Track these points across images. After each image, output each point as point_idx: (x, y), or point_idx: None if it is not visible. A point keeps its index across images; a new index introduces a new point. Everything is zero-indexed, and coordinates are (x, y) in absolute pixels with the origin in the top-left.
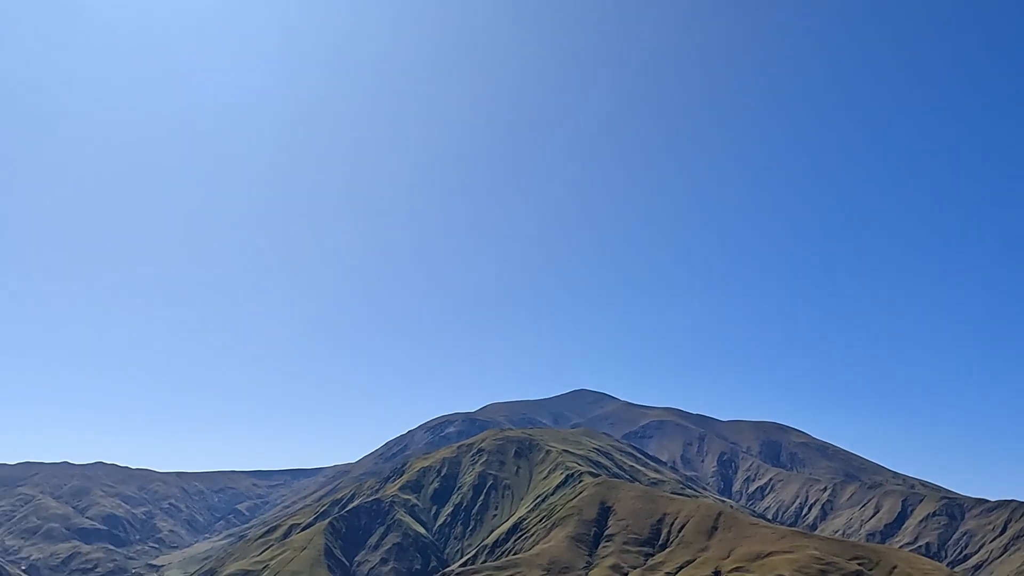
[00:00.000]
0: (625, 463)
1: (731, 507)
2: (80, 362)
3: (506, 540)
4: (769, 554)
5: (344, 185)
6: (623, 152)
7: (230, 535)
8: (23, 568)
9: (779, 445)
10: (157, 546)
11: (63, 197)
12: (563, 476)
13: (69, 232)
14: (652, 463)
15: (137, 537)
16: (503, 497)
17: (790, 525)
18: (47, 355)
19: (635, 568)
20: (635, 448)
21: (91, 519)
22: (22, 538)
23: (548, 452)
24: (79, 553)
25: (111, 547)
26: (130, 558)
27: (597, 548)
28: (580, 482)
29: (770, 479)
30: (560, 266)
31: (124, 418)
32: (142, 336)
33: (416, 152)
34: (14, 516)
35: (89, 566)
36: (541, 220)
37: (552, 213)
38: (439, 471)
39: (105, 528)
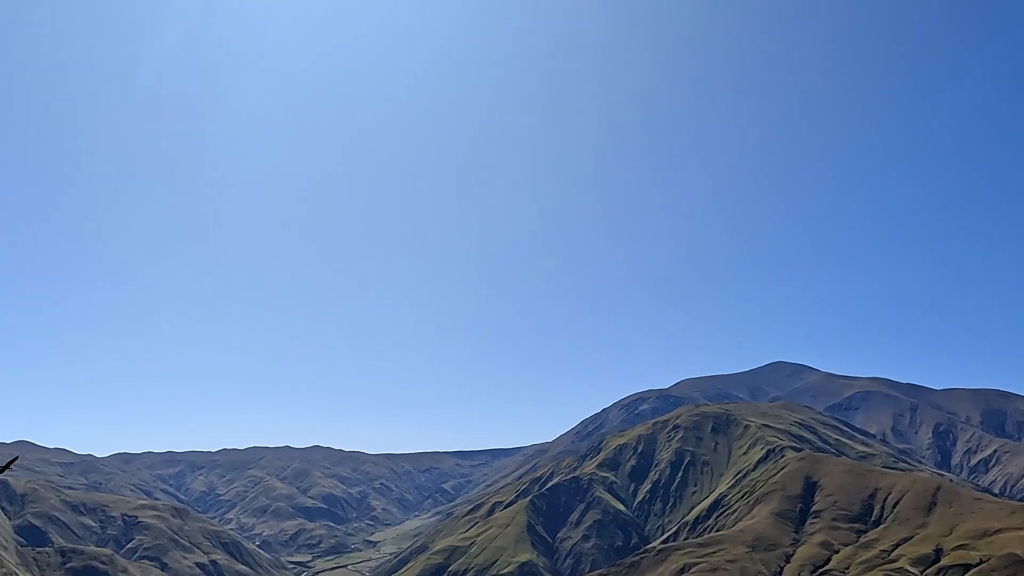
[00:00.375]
0: (830, 437)
1: (951, 481)
2: (298, 355)
3: (707, 517)
4: (997, 531)
5: (540, 176)
6: (817, 120)
7: (438, 513)
8: (257, 544)
9: (1003, 414)
10: (372, 523)
11: (297, 198)
12: (764, 451)
13: (281, 234)
14: (859, 436)
15: (354, 515)
16: (702, 473)
17: (1020, 500)
18: (269, 350)
19: (846, 545)
20: (840, 421)
21: (312, 498)
22: (254, 516)
23: (747, 427)
24: (304, 530)
25: (332, 524)
26: (349, 535)
27: (804, 525)
28: (782, 457)
29: (995, 451)
30: (751, 235)
31: (338, 404)
32: (354, 330)
33: (619, 147)
34: (246, 496)
35: (313, 542)
36: (733, 189)
37: (748, 180)
38: (635, 448)
39: (325, 507)
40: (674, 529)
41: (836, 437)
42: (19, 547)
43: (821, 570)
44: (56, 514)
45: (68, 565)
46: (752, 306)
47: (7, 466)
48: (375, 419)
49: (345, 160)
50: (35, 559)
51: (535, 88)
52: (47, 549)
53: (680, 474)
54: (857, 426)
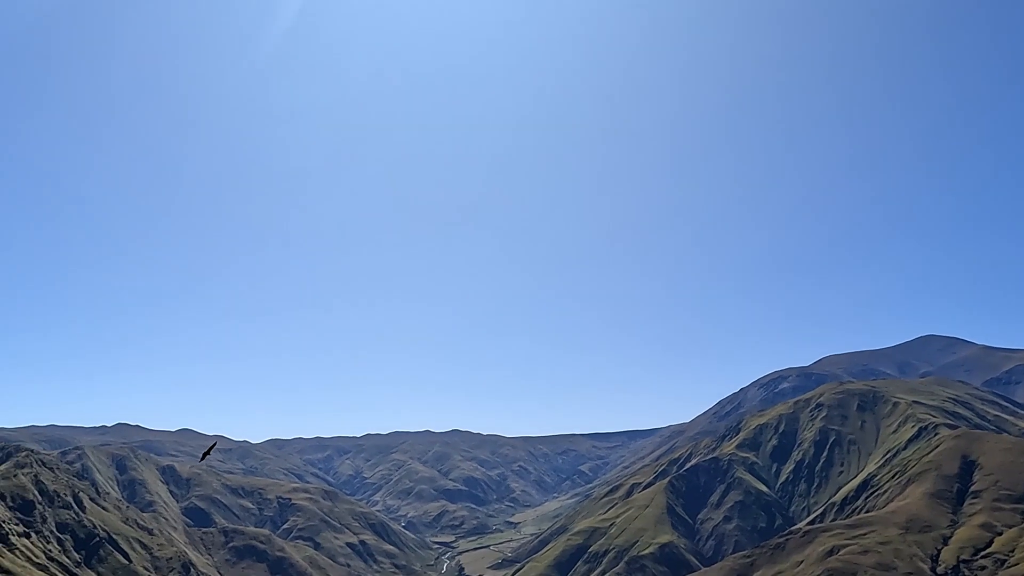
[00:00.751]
0: (988, 413)
1: None
2: (435, 342)
3: (855, 497)
4: None
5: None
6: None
7: (576, 494)
8: (403, 525)
9: None
10: (512, 505)
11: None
12: (915, 429)
13: (423, 229)
14: (1022, 412)
15: (494, 497)
16: (848, 453)
17: None
18: (408, 339)
19: (1011, 527)
20: (999, 396)
21: (453, 481)
22: (399, 498)
23: (895, 404)
24: (447, 511)
25: (473, 506)
26: (490, 516)
27: (962, 505)
28: (935, 435)
29: None
30: (896, 200)
31: (476, 389)
32: (491, 317)
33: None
34: (391, 479)
35: (456, 523)
36: (877, 155)
37: (894, 146)
38: (776, 428)
39: (466, 489)
40: (820, 510)
41: (995, 413)
42: (187, 527)
43: (983, 553)
44: (218, 497)
45: (231, 544)
46: (899, 277)
47: (209, 451)
48: (512, 403)
49: (515, 158)
50: (201, 539)
51: (696, 87)
52: (211, 529)
53: (825, 454)
54: (1019, 401)
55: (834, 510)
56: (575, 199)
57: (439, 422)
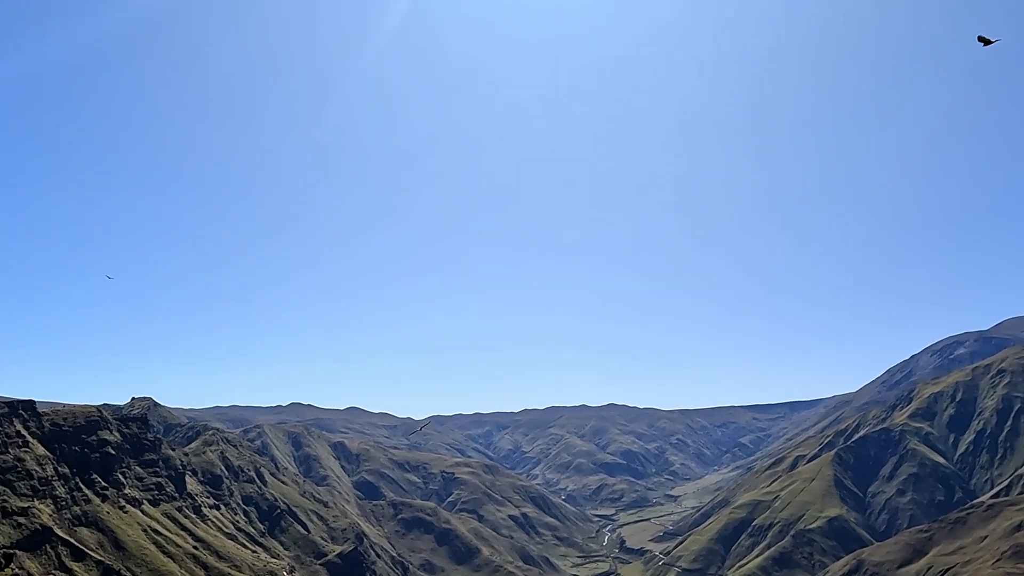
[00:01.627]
0: None
1: None
2: (590, 318)
3: None
4: None
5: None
6: None
7: (737, 467)
8: (563, 498)
9: None
10: (671, 478)
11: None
12: None
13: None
14: None
15: (652, 470)
16: None
17: None
18: (563, 315)
19: None
20: None
21: (611, 454)
22: (558, 472)
23: None
24: (606, 485)
25: (631, 479)
26: (649, 489)
27: None
28: None
29: None
30: None
31: (630, 362)
32: (647, 287)
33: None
34: (549, 453)
35: (615, 496)
36: None
37: None
38: (952, 396)
39: (624, 462)
40: (1005, 483)
41: None
42: (358, 500)
43: None
44: (385, 471)
45: (399, 516)
46: None
47: (421, 427)
48: (668, 375)
49: (675, 137)
50: (372, 511)
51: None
52: (381, 502)
53: (1009, 423)
54: None
55: (1021, 482)
56: (726, 167)
57: (595, 396)
